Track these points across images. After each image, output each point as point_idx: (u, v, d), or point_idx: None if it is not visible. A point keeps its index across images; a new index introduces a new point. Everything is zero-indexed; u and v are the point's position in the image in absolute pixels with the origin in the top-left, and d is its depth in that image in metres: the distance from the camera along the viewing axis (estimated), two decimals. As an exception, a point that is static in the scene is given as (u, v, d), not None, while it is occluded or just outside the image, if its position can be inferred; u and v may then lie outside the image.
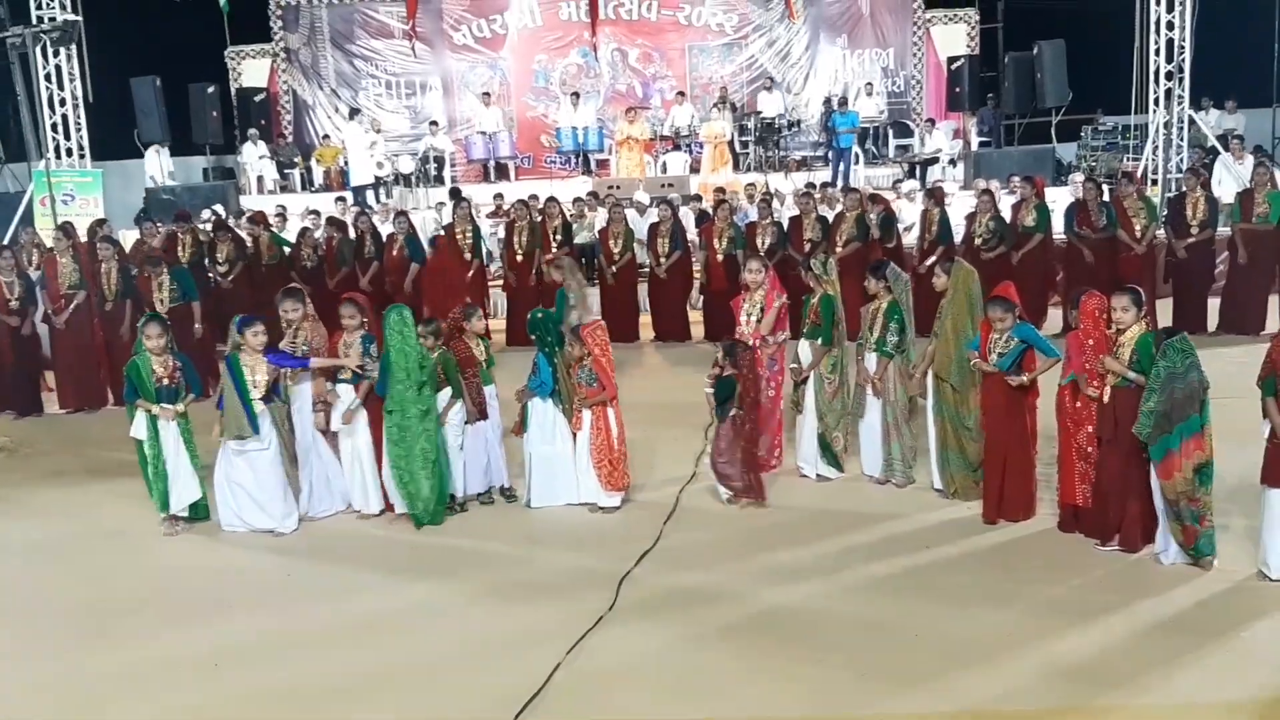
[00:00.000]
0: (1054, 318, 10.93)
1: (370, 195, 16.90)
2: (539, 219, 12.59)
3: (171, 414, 6.54)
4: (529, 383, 6.74)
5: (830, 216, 12.05)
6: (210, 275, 11.77)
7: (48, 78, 16.72)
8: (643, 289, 12.82)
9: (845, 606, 5.26)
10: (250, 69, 20.36)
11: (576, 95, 19.08)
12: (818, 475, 7.14)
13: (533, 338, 6.80)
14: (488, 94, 19.31)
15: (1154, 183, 15.66)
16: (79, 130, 17.22)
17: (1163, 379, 5.21)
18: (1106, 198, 11.41)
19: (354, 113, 18.57)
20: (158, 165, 18.18)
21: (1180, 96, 16.01)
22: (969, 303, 6.45)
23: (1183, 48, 15.80)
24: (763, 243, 11.49)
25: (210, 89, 18.65)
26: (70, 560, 6.43)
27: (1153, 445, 5.27)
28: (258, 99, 19.60)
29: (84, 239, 11.63)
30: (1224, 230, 11.44)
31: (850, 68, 20.33)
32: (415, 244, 11.84)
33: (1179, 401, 5.17)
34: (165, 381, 6.55)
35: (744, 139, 18.69)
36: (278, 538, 6.51)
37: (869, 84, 19.10)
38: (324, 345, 6.77)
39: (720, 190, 14.63)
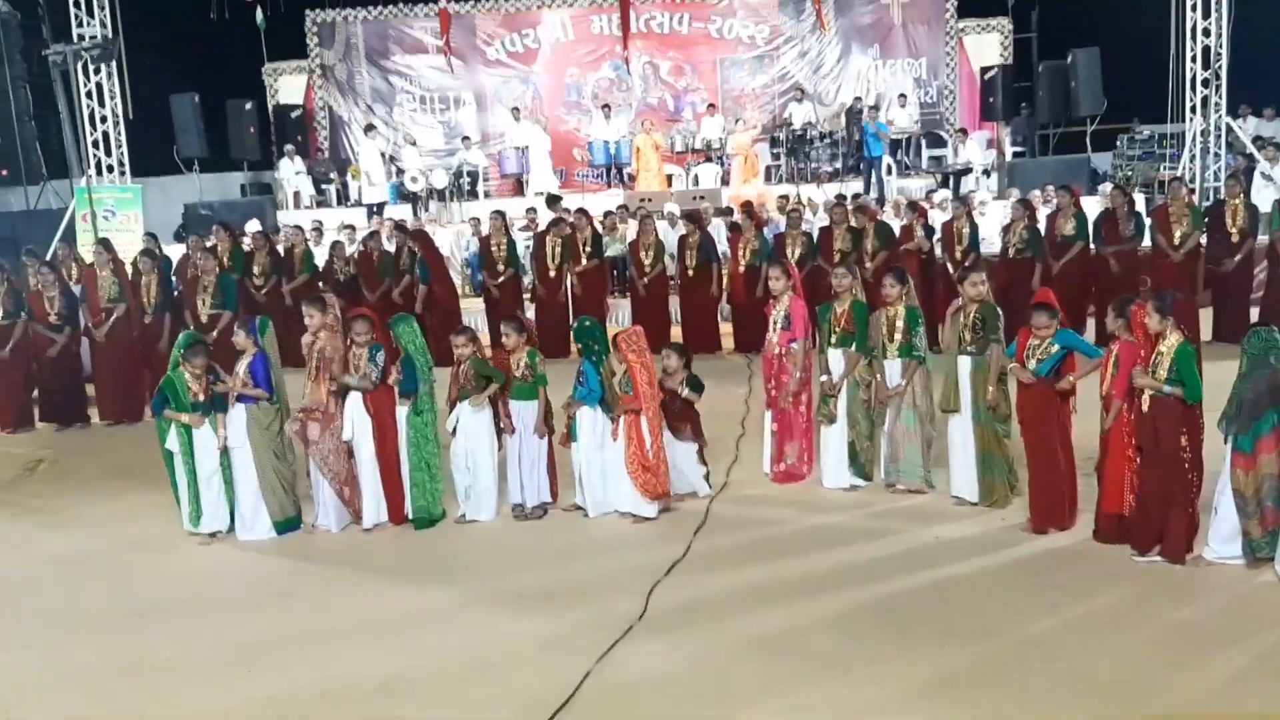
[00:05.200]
0: (1091, 328, 10.85)
1: (389, 211, 17.04)
2: (569, 232, 12.64)
3: (200, 420, 6.62)
4: (576, 392, 6.77)
5: (867, 227, 11.97)
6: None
7: (88, 95, 16.99)
8: (674, 301, 12.83)
9: (876, 618, 5.22)
10: (287, 85, 20.58)
11: (607, 107, 19.14)
12: (851, 485, 7.11)
13: (579, 346, 6.84)
14: (516, 109, 19.38)
15: (1191, 192, 15.48)
16: (119, 147, 17.49)
17: (1249, 366, 5.31)
18: (1141, 207, 11.27)
19: (369, 129, 18.74)
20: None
21: (1217, 104, 15.84)
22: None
23: (1219, 54, 15.64)
24: (792, 253, 11.47)
25: (248, 105, 18.87)
26: (102, 568, 6.53)
27: (1243, 434, 5.29)
28: (294, 115, 19.84)
29: (136, 254, 11.75)
30: (1262, 238, 11.27)
31: (883, 78, 20.27)
32: (422, 265, 11.91)
33: (1269, 388, 5.22)
34: (199, 397, 6.65)
35: (775, 150, 18.69)
36: (299, 544, 6.65)
37: (902, 95, 19.02)
38: (337, 355, 6.79)
39: (747, 203, 14.62)
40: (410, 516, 6.84)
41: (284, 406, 6.83)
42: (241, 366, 6.74)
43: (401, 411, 6.77)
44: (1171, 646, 4.75)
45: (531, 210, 15.51)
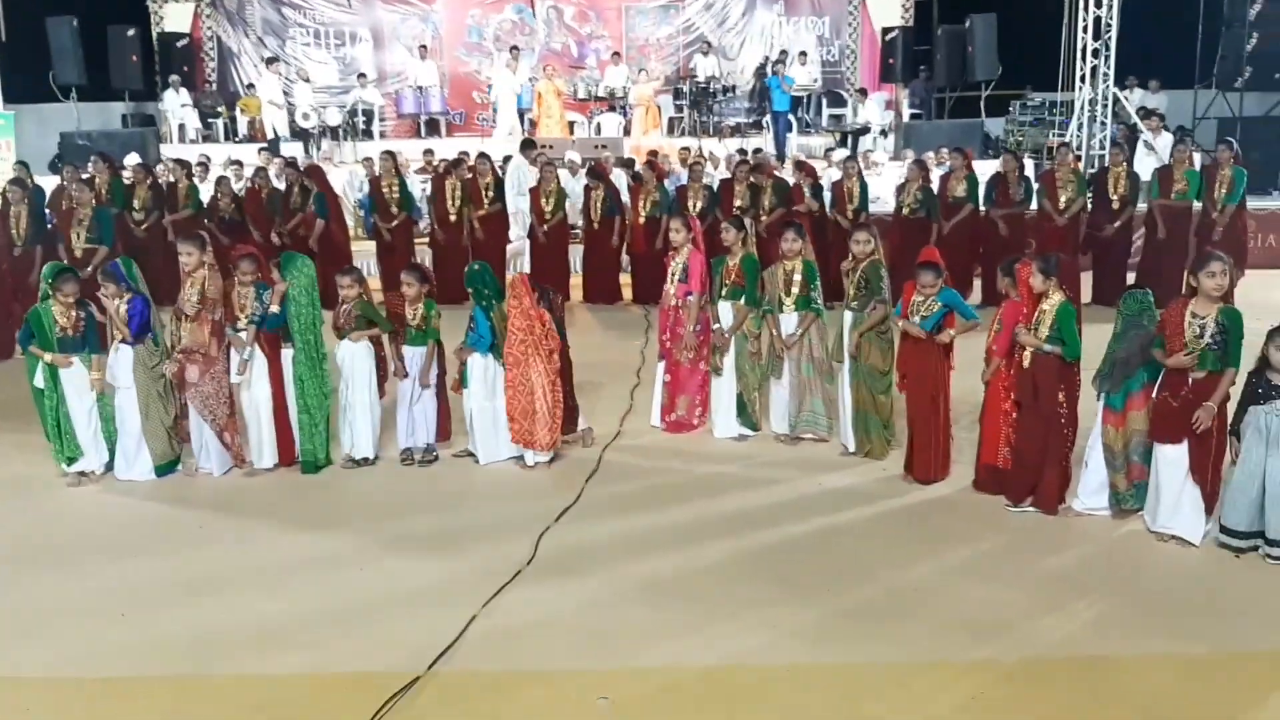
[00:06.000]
0: (978, 288, 11.15)
1: (285, 147, 16.51)
2: (469, 176, 12.41)
3: (66, 361, 6.39)
4: (467, 338, 6.69)
5: (765, 184, 12.04)
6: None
7: (-43, 15, 16.02)
8: (575, 250, 12.74)
9: (763, 564, 5.31)
10: (173, 13, 19.67)
11: (516, 49, 18.77)
12: (740, 435, 7.19)
13: (469, 291, 6.74)
14: (424, 47, 18.93)
15: (1077, 158, 15.94)
16: (-10, 71, 16.57)
17: (1123, 326, 5.49)
18: (1030, 172, 11.55)
19: (271, 61, 18.13)
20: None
21: (1106, 74, 16.30)
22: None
23: (1109, 26, 16.07)
24: (693, 206, 11.48)
25: (130, 32, 17.99)
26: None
27: (1114, 392, 5.49)
28: (180, 44, 18.99)
29: (5, 183, 11.17)
30: (1142, 206, 11.69)
31: (786, 34, 20.32)
32: (320, 201, 11.61)
33: (1140, 348, 5.40)
34: (68, 332, 6.39)
35: (679, 103, 18.63)
36: (180, 487, 6.48)
37: (803, 52, 19.10)
38: (219, 294, 6.59)
39: (652, 153, 14.58)
40: (299, 459, 6.71)
41: (164, 347, 6.59)
42: (121, 304, 6.44)
43: (287, 354, 6.62)
44: (1041, 592, 4.94)
45: (429, 152, 15.20)
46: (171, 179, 12.44)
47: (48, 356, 6.37)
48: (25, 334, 6.43)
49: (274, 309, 6.50)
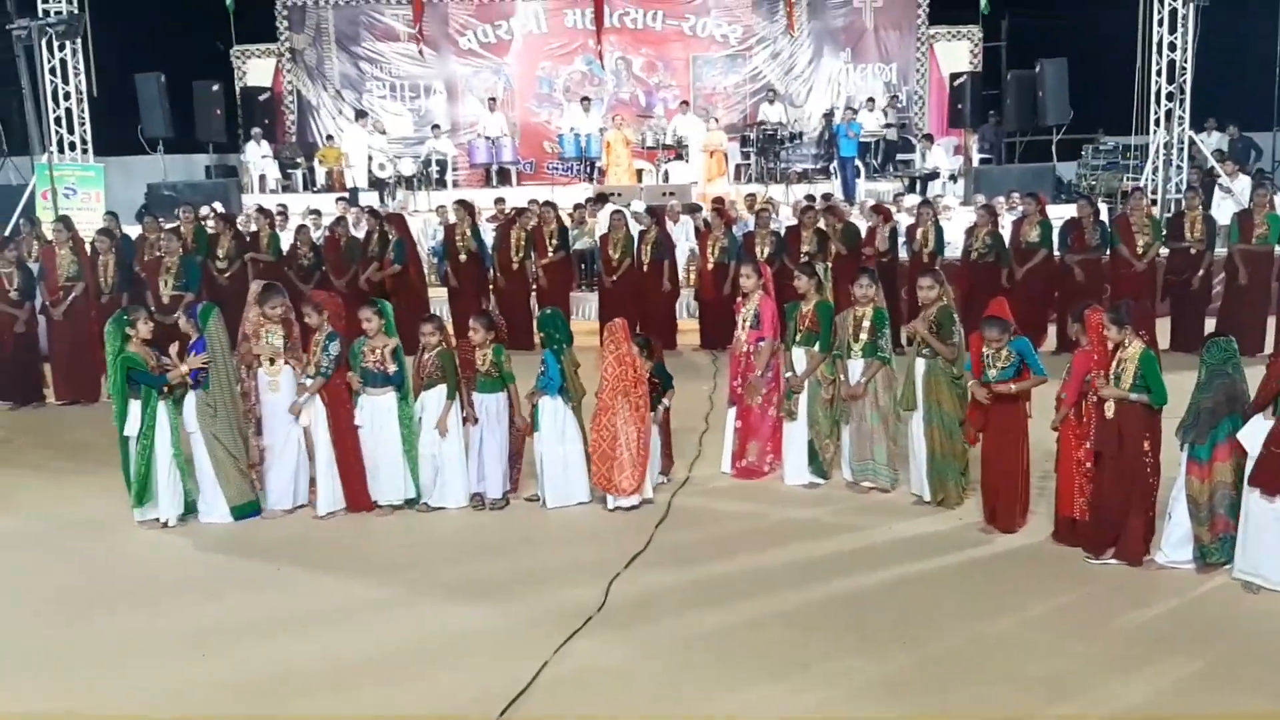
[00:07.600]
0: (1053, 335, 10.97)
1: (363, 197, 16.92)
2: (534, 223, 12.59)
3: (184, 371, 6.49)
4: (538, 381, 6.77)
5: (835, 228, 12.01)
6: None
7: (52, 71, 16.69)
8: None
9: (833, 613, 5.26)
10: (255, 68, 20.38)
11: (587, 100, 19.07)
12: (810, 483, 7.14)
13: (541, 335, 6.85)
14: (493, 99, 19.34)
15: (1153, 203, 15.70)
16: (82, 125, 17.21)
17: (1207, 375, 5.39)
18: (1105, 217, 11.41)
19: (360, 115, 18.67)
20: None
21: (1181, 118, 16.06)
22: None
23: (1184, 69, 15.86)
24: (761, 252, 11.49)
25: (215, 87, 18.65)
26: (52, 550, 6.44)
27: (1199, 443, 5.37)
28: (262, 98, 19.63)
29: (94, 232, 11.58)
30: (1221, 251, 11.46)
31: (853, 81, 20.40)
32: (400, 247, 11.85)
33: (1227, 398, 5.30)
34: (154, 370, 6.56)
35: (745, 150, 18.75)
36: (253, 530, 6.59)
37: (871, 99, 19.15)
38: (295, 343, 6.79)
39: (718, 200, 14.64)
40: (414, 496, 6.85)
41: (232, 390, 6.69)
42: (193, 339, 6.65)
43: (390, 399, 6.72)
44: (1124, 648, 4.82)
45: (500, 201, 15.46)
46: (254, 228, 12.80)
47: (175, 373, 6.47)
48: (145, 377, 6.46)
49: (393, 368, 6.66)
